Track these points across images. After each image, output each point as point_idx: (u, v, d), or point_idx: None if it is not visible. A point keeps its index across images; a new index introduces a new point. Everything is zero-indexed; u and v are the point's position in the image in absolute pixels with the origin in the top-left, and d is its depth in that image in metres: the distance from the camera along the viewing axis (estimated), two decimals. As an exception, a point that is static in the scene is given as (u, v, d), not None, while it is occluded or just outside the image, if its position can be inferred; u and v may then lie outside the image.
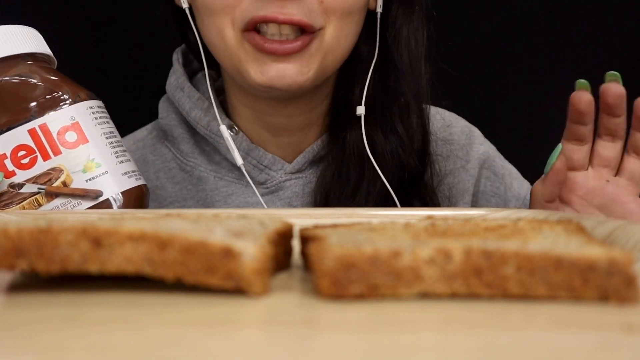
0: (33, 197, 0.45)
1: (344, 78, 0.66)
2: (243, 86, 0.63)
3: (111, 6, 0.95)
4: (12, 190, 0.45)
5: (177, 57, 0.70)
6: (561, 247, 0.25)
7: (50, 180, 0.45)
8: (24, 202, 0.45)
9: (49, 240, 0.24)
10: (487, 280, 0.24)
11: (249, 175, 0.62)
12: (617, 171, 0.53)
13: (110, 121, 0.50)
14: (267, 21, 0.56)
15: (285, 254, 0.30)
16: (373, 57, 0.64)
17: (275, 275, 0.28)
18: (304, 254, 0.30)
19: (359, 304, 0.24)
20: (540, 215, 0.40)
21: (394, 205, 0.62)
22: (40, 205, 0.45)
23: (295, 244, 0.31)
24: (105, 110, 0.50)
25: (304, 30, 0.57)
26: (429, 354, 0.19)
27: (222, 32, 0.58)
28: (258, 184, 0.65)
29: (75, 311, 0.23)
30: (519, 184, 0.73)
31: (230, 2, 0.57)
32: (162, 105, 0.70)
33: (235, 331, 0.21)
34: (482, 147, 0.73)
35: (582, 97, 0.51)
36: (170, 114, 0.69)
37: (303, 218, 0.38)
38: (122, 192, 0.47)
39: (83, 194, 0.45)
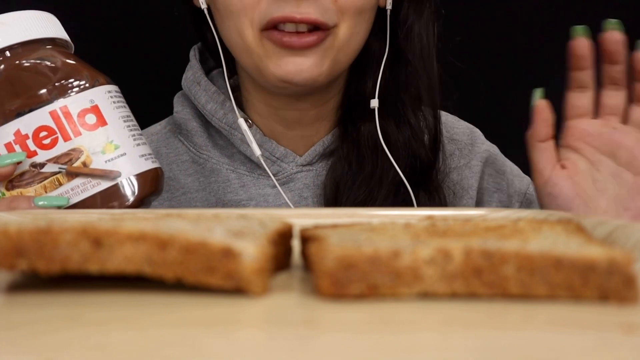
0: (54, 177, 0.46)
1: (355, 73, 0.68)
2: (261, 83, 0.65)
3: (127, 4, 0.95)
4: (33, 169, 0.46)
5: (194, 54, 0.72)
6: (561, 247, 0.25)
7: (70, 160, 0.47)
8: (45, 182, 0.46)
9: (49, 240, 0.24)
10: (487, 280, 0.24)
11: (261, 167, 0.65)
12: (624, 120, 0.56)
13: (127, 106, 0.51)
14: (285, 21, 0.58)
15: (285, 254, 0.30)
16: (384, 53, 0.66)
17: (275, 275, 0.28)
18: (304, 254, 0.30)
19: (359, 304, 0.24)
20: (540, 215, 0.40)
21: (406, 194, 0.64)
22: (60, 184, 0.46)
23: (295, 244, 0.31)
24: (121, 95, 0.51)
25: (319, 28, 0.59)
26: (429, 354, 0.19)
27: (241, 32, 0.61)
28: (271, 175, 0.67)
29: (75, 311, 0.23)
30: (519, 180, 0.75)
31: (249, 3, 0.59)
32: (177, 100, 0.72)
33: (235, 331, 0.21)
34: (484, 146, 0.75)
35: (579, 42, 0.55)
36: (185, 108, 0.71)
37: (303, 218, 0.38)
38: (139, 174, 0.48)
39: (102, 174, 0.47)
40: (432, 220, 0.32)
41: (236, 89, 0.70)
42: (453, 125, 0.75)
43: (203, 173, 0.69)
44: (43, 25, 0.49)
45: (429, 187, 0.67)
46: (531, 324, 0.22)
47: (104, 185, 0.47)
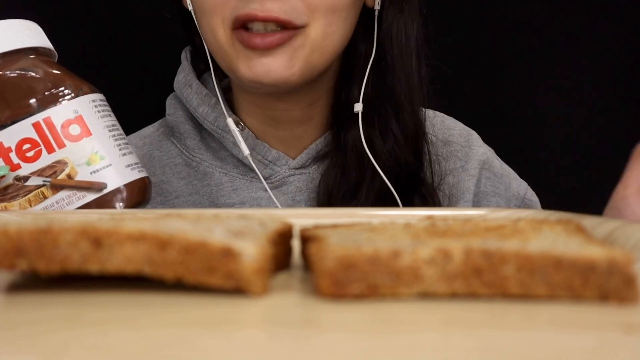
0: (39, 190, 0.46)
1: (344, 76, 0.67)
2: (239, 84, 0.65)
3: (117, 6, 0.95)
4: (17, 183, 0.46)
5: (185, 56, 0.71)
6: (561, 247, 0.25)
7: (55, 172, 0.46)
8: (30, 195, 0.45)
9: (49, 240, 0.24)
10: (487, 280, 0.24)
11: (254, 170, 0.64)
12: None
13: (112, 114, 0.50)
14: (248, 19, 0.58)
15: (285, 254, 0.30)
16: (371, 55, 0.65)
17: (275, 275, 0.28)
18: (304, 254, 0.30)
19: (359, 304, 0.24)
20: (540, 215, 0.40)
21: (394, 203, 0.63)
22: (45, 197, 0.46)
23: (295, 244, 0.31)
24: (107, 103, 0.50)
25: (286, 27, 0.58)
26: (429, 354, 0.19)
27: (214, 31, 0.60)
28: (262, 178, 0.66)
29: (75, 311, 0.23)
30: (517, 184, 0.75)
31: (219, 1, 0.59)
32: (169, 103, 0.72)
33: (235, 331, 0.21)
34: (480, 149, 0.74)
35: None
36: (177, 110, 0.70)
37: (303, 218, 0.38)
38: (125, 184, 0.48)
39: (88, 186, 0.46)
40: (432, 220, 0.32)
41: (228, 91, 0.70)
42: (449, 127, 0.74)
43: (196, 176, 0.69)
44: (25, 34, 0.48)
45: (423, 192, 0.66)
46: (531, 324, 0.22)
47: (90, 197, 0.46)
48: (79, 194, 0.46)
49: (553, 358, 0.19)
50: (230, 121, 0.63)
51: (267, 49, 0.58)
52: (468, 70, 0.69)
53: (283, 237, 0.29)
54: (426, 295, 0.24)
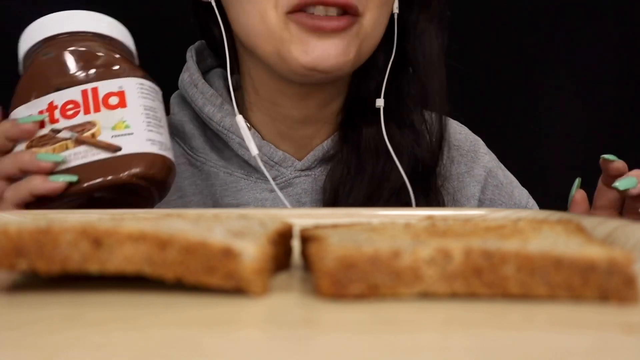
0: (64, 142, 0.51)
1: (360, 76, 0.68)
2: (282, 72, 0.62)
3: (119, 3, 0.95)
4: (51, 133, 0.51)
5: (190, 55, 0.71)
6: (561, 247, 0.25)
7: (83, 130, 0.51)
8: (56, 145, 0.51)
9: (49, 240, 0.24)
10: (487, 280, 0.24)
11: (259, 170, 0.63)
12: None
13: (157, 101, 0.55)
14: (316, 3, 0.57)
15: (285, 254, 0.30)
16: (389, 57, 0.65)
17: (275, 275, 0.28)
18: (304, 254, 0.30)
19: (359, 304, 0.24)
20: (540, 215, 0.40)
21: (406, 197, 0.63)
22: (67, 148, 0.51)
23: (295, 244, 0.31)
24: (157, 91, 0.56)
25: (347, 13, 0.58)
26: (429, 354, 0.19)
27: (264, 14, 0.59)
28: (270, 178, 0.66)
29: (75, 311, 0.23)
30: (519, 192, 0.75)
31: None
32: (174, 102, 0.71)
33: (235, 331, 0.21)
34: (486, 156, 0.75)
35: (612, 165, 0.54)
36: (182, 110, 0.70)
37: (303, 218, 0.38)
38: (139, 153, 0.51)
39: (104, 146, 0.51)
40: (432, 220, 0.32)
41: (236, 89, 0.69)
42: (455, 131, 0.75)
43: (200, 176, 0.68)
44: (94, 22, 0.56)
45: (428, 191, 0.66)
46: (531, 324, 0.22)
47: (102, 155, 0.50)
48: (95, 150, 0.50)
49: (553, 358, 0.19)
50: (240, 118, 0.62)
51: (329, 33, 0.58)
52: (466, 72, 0.70)
53: (283, 237, 0.29)
54: (426, 295, 0.24)
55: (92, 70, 0.53)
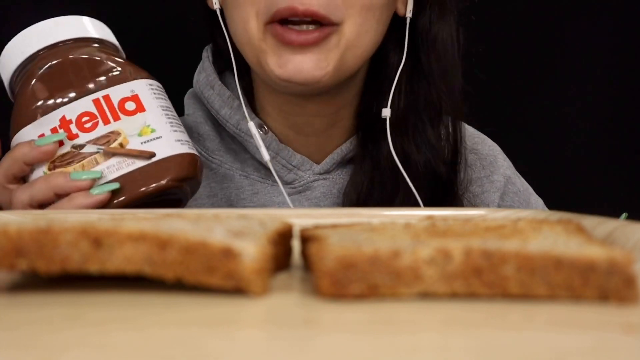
0: (92, 157, 0.49)
1: (373, 85, 0.66)
2: (266, 81, 0.62)
3: (137, 3, 0.95)
4: (74, 150, 0.50)
5: (207, 55, 0.70)
6: (561, 247, 0.25)
7: (108, 141, 0.50)
8: (84, 161, 0.49)
9: (49, 240, 0.24)
10: (487, 280, 0.24)
11: (277, 174, 0.62)
12: None
13: (168, 100, 0.54)
14: (289, 13, 0.56)
15: (285, 254, 0.30)
16: (401, 63, 0.63)
17: (275, 275, 0.28)
18: (304, 254, 0.30)
19: (359, 304, 0.24)
20: (540, 215, 0.40)
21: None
22: (98, 163, 0.49)
23: (295, 244, 0.31)
24: (164, 90, 0.54)
25: (323, 24, 0.57)
26: (429, 354, 0.19)
27: (246, 23, 0.59)
28: (285, 183, 0.65)
29: (75, 311, 0.23)
30: (535, 200, 0.74)
31: None
32: (188, 102, 0.70)
33: (235, 331, 0.21)
34: (505, 162, 0.74)
35: None
36: (197, 111, 0.69)
37: (303, 218, 0.38)
38: (173, 155, 0.50)
39: (137, 154, 0.50)
40: (432, 220, 0.32)
41: (249, 92, 0.68)
42: (473, 135, 0.74)
43: (214, 179, 0.67)
44: (91, 28, 0.54)
45: (448, 200, 0.65)
46: (531, 324, 0.22)
47: (139, 164, 0.49)
48: (129, 160, 0.49)
49: (553, 358, 0.19)
50: (252, 125, 0.61)
51: (302, 47, 0.57)
52: (486, 81, 0.69)
53: (283, 237, 0.29)
54: (426, 295, 0.24)
55: (100, 78, 0.51)
